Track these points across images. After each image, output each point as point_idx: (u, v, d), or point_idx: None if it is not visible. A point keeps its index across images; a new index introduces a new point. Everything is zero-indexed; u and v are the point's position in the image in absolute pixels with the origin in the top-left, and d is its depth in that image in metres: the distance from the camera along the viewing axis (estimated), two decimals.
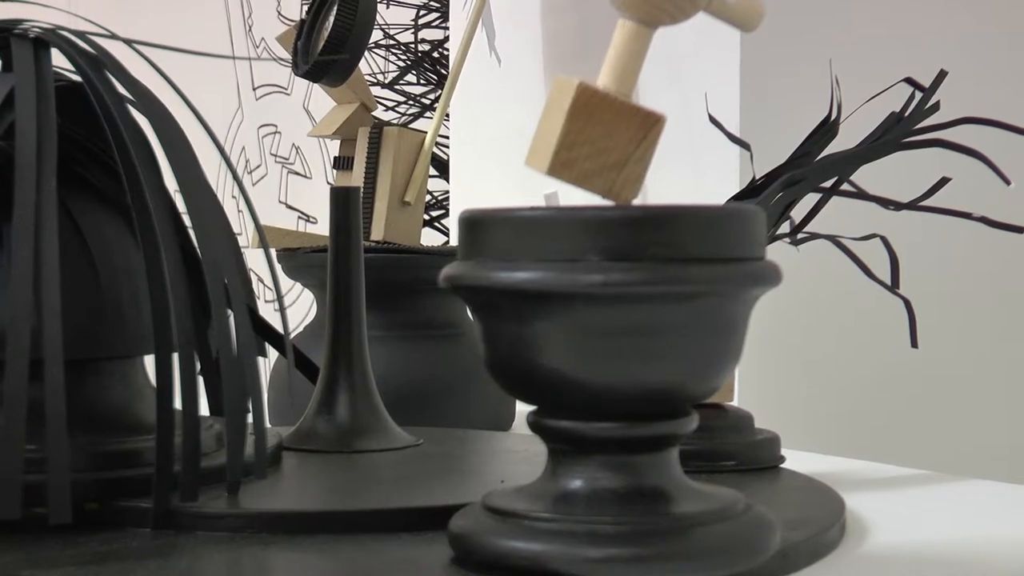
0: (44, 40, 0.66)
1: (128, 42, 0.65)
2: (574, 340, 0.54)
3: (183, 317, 0.63)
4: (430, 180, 1.24)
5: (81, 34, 0.66)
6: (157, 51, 0.67)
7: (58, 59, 0.67)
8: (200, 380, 0.67)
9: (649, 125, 0.58)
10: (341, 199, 0.82)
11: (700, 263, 0.54)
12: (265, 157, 2.60)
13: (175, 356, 0.63)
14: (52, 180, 0.62)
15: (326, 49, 1.05)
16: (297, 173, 2.53)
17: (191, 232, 0.66)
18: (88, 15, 0.76)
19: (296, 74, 1.09)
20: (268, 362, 0.99)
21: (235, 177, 0.73)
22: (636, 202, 0.60)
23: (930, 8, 1.19)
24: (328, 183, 2.36)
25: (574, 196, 0.61)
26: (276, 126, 2.57)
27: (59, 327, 0.60)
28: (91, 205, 0.69)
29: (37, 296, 0.60)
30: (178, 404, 0.63)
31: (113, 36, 0.66)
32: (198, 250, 0.66)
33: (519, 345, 0.55)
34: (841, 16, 1.15)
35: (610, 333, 0.54)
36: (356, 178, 1.11)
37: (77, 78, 0.67)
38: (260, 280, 2.15)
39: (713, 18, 0.63)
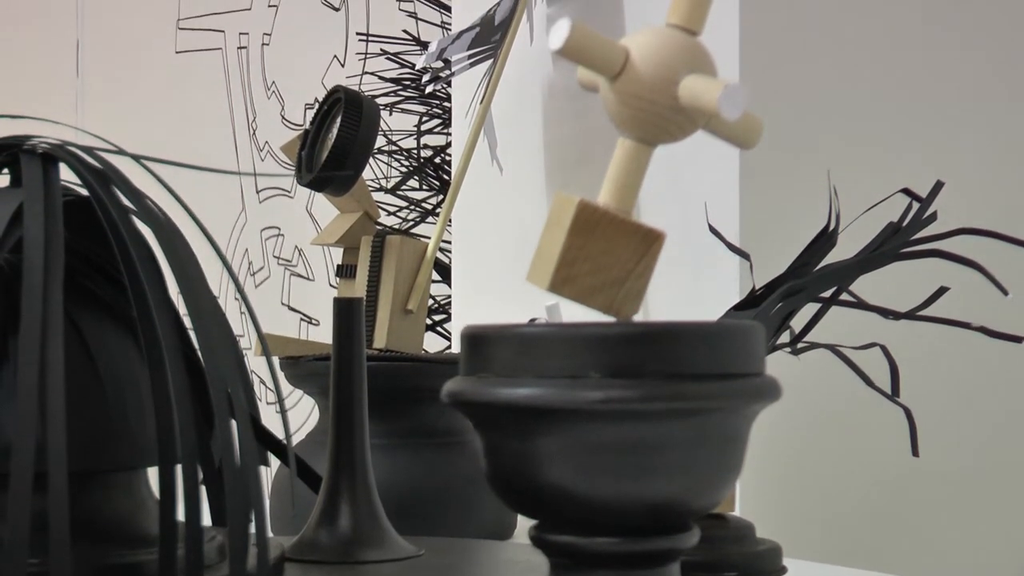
0: (52, 155, 0.67)
1: (136, 158, 0.66)
2: (576, 456, 0.54)
3: (187, 429, 0.63)
4: (432, 285, 1.25)
5: (89, 149, 0.67)
6: (164, 156, 0.67)
7: (66, 173, 0.68)
8: (202, 489, 0.67)
9: (649, 242, 0.59)
10: (344, 309, 0.82)
11: (700, 379, 0.54)
12: (268, 259, 2.62)
13: (178, 467, 0.64)
14: (59, 294, 0.62)
15: (329, 159, 1.06)
16: (300, 275, 2.54)
17: (194, 337, 0.67)
18: (95, 128, 0.77)
19: (300, 183, 1.10)
20: (270, 471, 0.99)
21: (239, 288, 0.74)
22: (637, 315, 0.61)
23: (927, 119, 1.20)
24: (331, 285, 2.37)
25: (575, 308, 0.62)
26: (279, 228, 2.59)
27: (64, 440, 0.60)
28: (97, 317, 0.69)
29: (42, 409, 0.60)
30: (181, 515, 0.64)
31: (120, 152, 0.67)
32: (202, 360, 0.66)
33: (521, 461, 0.55)
34: (839, 127, 1.17)
35: (611, 449, 0.54)
36: (359, 286, 1.11)
37: (85, 192, 0.67)
38: (262, 382, 2.15)
39: (712, 136, 0.64)
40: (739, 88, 0.58)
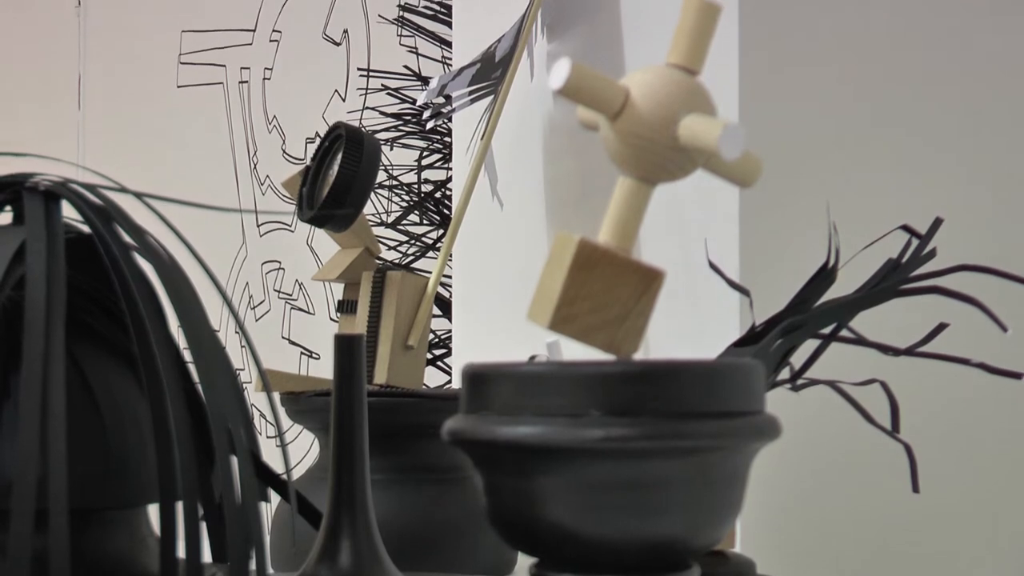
0: (54, 193, 0.67)
1: (138, 195, 0.67)
2: (576, 494, 0.54)
3: (187, 467, 0.63)
4: (433, 319, 1.25)
5: (91, 187, 0.68)
6: (166, 190, 0.68)
7: (68, 209, 0.68)
8: (203, 526, 0.67)
9: (649, 280, 0.59)
10: (345, 346, 0.82)
11: (700, 418, 0.54)
12: (268, 293, 2.62)
13: (179, 504, 0.64)
14: (60, 331, 0.63)
15: (330, 196, 1.06)
16: (300, 309, 2.54)
17: (195, 371, 0.67)
18: (96, 161, 0.77)
19: (301, 220, 1.10)
20: (270, 507, 0.99)
21: (239, 324, 0.74)
22: (637, 353, 0.61)
23: (926, 156, 1.20)
24: (331, 319, 2.37)
25: (576, 345, 0.62)
26: (280, 262, 2.59)
27: (65, 478, 0.60)
28: (98, 354, 0.69)
29: (44, 446, 0.60)
30: (181, 552, 0.64)
31: (123, 189, 0.67)
32: (203, 396, 0.67)
33: (521, 499, 0.55)
34: (838, 164, 1.17)
35: (612, 487, 0.54)
36: (360, 322, 1.11)
37: (87, 229, 0.68)
38: (262, 416, 2.15)
39: (712, 175, 0.64)
40: (738, 128, 0.58)
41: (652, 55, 0.72)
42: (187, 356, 0.69)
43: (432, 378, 1.97)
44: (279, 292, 2.59)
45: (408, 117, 2.07)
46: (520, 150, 1.38)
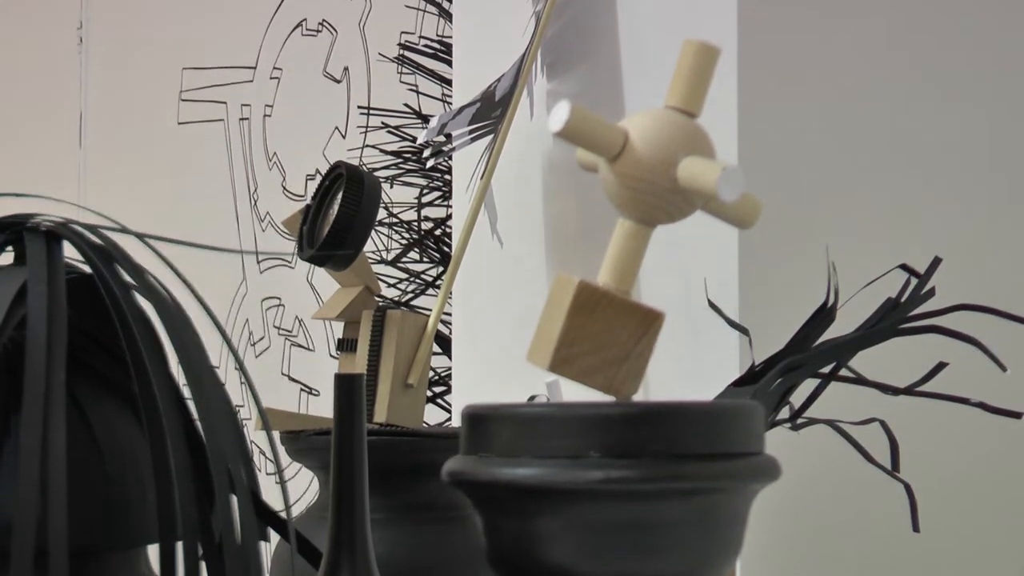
0: (56, 233, 0.67)
1: (140, 236, 0.67)
2: (576, 536, 0.54)
3: (188, 506, 0.63)
4: (433, 357, 1.25)
5: (92, 227, 0.68)
6: (166, 226, 0.68)
7: (69, 249, 0.68)
8: (203, 564, 0.67)
9: (649, 322, 0.59)
10: (345, 386, 0.83)
11: (700, 459, 0.55)
12: (268, 329, 2.62)
13: (179, 544, 0.64)
14: (61, 372, 0.63)
15: (330, 236, 1.06)
16: (300, 346, 2.54)
17: (195, 410, 0.67)
18: (97, 198, 0.78)
19: (301, 258, 1.10)
20: (270, 546, 0.99)
21: (239, 363, 0.74)
22: (637, 394, 0.61)
23: (925, 196, 1.21)
24: (331, 356, 2.37)
25: (575, 385, 0.62)
26: (280, 299, 2.59)
27: (65, 518, 0.60)
28: (99, 394, 0.69)
29: (44, 486, 0.60)
30: None
31: (124, 230, 0.68)
32: (203, 435, 0.67)
33: (522, 540, 0.55)
34: (837, 204, 1.17)
35: (612, 529, 0.54)
36: (360, 360, 1.11)
37: (88, 269, 0.68)
38: (262, 453, 2.15)
39: (711, 216, 0.64)
40: (737, 171, 0.59)
41: (652, 95, 0.72)
42: (187, 394, 0.69)
43: (432, 416, 1.97)
44: (279, 328, 2.60)
45: (408, 155, 2.07)
46: (520, 189, 1.38)
